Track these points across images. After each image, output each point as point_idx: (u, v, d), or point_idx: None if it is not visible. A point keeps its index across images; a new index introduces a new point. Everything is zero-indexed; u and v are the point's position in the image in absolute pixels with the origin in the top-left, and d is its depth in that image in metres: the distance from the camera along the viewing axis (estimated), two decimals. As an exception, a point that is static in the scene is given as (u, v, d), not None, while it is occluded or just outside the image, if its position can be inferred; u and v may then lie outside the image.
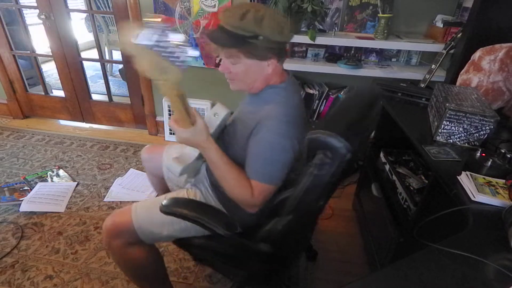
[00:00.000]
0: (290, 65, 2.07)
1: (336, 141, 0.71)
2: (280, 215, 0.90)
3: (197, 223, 0.92)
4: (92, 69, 4.06)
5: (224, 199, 1.07)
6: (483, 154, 1.01)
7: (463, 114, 1.05)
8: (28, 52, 2.68)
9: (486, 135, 1.06)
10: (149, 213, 1.06)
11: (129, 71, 2.56)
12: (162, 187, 1.39)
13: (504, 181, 0.88)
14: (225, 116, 1.00)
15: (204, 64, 2.35)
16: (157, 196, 1.51)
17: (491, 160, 0.98)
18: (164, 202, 0.95)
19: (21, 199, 1.87)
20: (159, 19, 0.74)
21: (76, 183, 2.07)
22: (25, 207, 1.81)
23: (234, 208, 1.01)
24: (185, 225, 1.02)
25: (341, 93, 2.18)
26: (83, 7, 2.51)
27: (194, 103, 2.48)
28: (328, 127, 0.75)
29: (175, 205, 0.97)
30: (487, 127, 1.05)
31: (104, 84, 2.72)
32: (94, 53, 3.70)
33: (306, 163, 0.79)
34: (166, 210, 0.94)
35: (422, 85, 1.65)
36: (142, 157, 1.40)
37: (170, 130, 2.61)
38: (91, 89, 2.80)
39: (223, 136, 1.06)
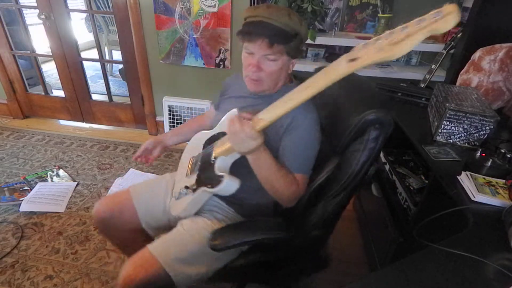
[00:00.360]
0: (290, 65, 2.07)
1: (385, 115, 0.83)
2: (321, 199, 0.96)
3: (256, 241, 0.88)
4: (92, 69, 4.06)
5: (245, 210, 1.05)
6: (483, 154, 1.01)
7: (463, 114, 1.05)
8: (28, 52, 2.68)
9: (486, 135, 1.06)
10: (179, 252, 0.91)
11: (129, 71, 2.56)
12: (137, 242, 1.07)
13: (504, 181, 0.88)
14: None
15: (204, 64, 2.35)
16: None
17: (491, 160, 0.98)
18: (210, 237, 0.88)
19: (21, 199, 1.87)
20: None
21: (76, 183, 2.07)
22: (25, 207, 1.81)
23: (258, 213, 1.03)
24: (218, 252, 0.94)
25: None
26: (83, 7, 2.51)
27: (194, 103, 2.48)
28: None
29: (223, 235, 0.89)
30: (487, 127, 1.05)
31: (104, 84, 2.72)
32: (94, 53, 3.70)
33: (352, 142, 0.89)
34: (220, 245, 0.85)
35: (422, 85, 1.65)
36: (99, 216, 1.08)
37: (170, 129, 2.61)
38: (91, 89, 2.80)
39: None
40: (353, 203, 1.95)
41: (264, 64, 0.92)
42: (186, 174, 1.06)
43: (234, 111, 0.95)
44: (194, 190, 0.96)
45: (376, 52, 0.60)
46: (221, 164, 0.93)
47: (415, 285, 0.58)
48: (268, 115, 0.79)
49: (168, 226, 1.06)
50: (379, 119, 0.84)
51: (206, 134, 1.09)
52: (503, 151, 1.00)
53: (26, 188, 1.98)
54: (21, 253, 1.56)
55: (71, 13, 2.44)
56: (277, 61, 0.92)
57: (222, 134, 0.99)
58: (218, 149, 0.94)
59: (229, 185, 0.87)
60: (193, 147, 1.12)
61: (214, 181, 0.89)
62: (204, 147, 1.07)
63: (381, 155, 1.62)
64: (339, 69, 0.65)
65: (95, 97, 2.82)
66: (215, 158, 0.93)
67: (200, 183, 0.96)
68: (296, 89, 0.75)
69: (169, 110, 2.54)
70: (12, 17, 2.70)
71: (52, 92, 2.93)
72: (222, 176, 0.87)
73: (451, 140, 1.10)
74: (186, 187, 0.99)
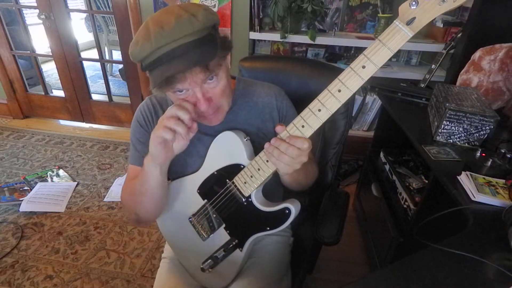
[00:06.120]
0: (290, 65, 2.07)
1: None
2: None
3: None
4: (92, 69, 4.06)
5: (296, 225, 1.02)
6: (483, 154, 1.01)
7: (463, 114, 1.05)
8: (28, 52, 2.68)
9: (486, 135, 1.06)
10: None
11: (129, 71, 2.56)
12: None
13: (504, 181, 0.88)
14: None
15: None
16: None
17: (491, 160, 0.98)
18: None
19: (21, 199, 1.87)
20: None
21: (76, 183, 2.07)
22: (25, 207, 1.81)
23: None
24: None
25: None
26: (83, 7, 2.51)
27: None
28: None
29: None
30: (487, 127, 1.05)
31: (104, 84, 2.73)
32: (94, 53, 3.70)
33: None
34: None
35: (422, 85, 1.65)
36: None
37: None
38: (91, 89, 2.80)
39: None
40: (353, 203, 1.95)
41: (211, 91, 0.69)
42: (202, 239, 0.86)
43: (229, 134, 0.77)
44: (241, 246, 0.82)
45: (438, 4, 0.50)
46: (258, 198, 0.78)
47: (415, 285, 0.58)
48: (314, 120, 0.60)
49: None
50: None
51: (190, 183, 0.85)
52: (503, 151, 1.00)
53: (26, 188, 1.98)
54: (21, 253, 1.56)
55: (71, 13, 2.44)
56: (219, 74, 0.68)
57: (222, 171, 0.79)
58: (248, 185, 0.75)
59: (297, 210, 0.74)
60: (180, 209, 0.89)
61: (270, 220, 0.76)
62: (204, 195, 0.84)
63: (381, 155, 1.62)
64: (400, 35, 0.54)
65: (95, 97, 2.82)
66: (249, 196, 0.77)
67: (240, 235, 0.82)
68: (346, 74, 0.56)
69: (169, 110, 2.53)
70: (12, 17, 2.71)
71: (52, 92, 2.93)
72: (287, 208, 0.73)
73: (451, 140, 1.10)
74: (226, 249, 0.83)
